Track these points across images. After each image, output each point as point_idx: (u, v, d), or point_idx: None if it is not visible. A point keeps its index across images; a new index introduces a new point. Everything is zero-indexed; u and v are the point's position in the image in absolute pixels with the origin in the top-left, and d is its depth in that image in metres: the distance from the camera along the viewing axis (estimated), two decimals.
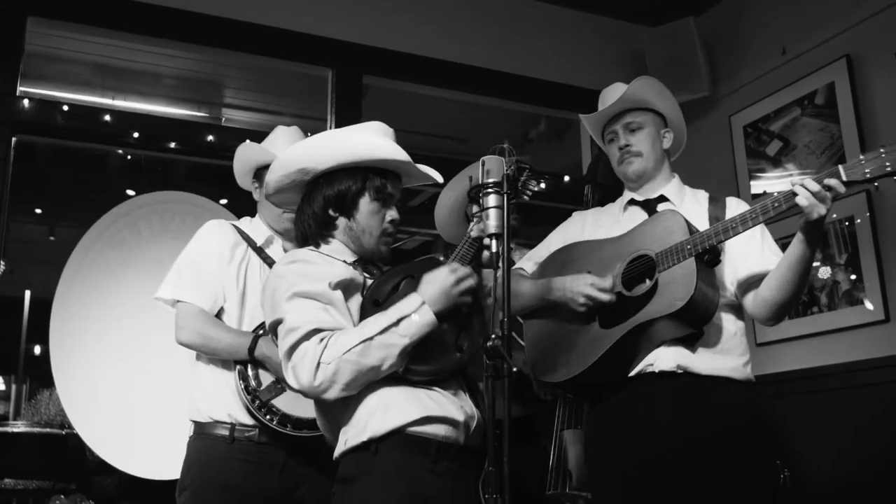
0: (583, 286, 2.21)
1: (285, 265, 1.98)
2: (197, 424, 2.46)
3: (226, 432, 2.38)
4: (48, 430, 4.51)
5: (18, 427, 4.64)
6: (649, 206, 2.38)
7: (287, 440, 2.37)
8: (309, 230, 2.08)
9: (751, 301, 2.24)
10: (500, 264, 1.84)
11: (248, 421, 2.38)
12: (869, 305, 3.45)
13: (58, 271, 3.57)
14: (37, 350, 7.13)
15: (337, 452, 1.93)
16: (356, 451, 1.87)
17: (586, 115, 2.48)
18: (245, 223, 2.66)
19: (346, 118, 3.77)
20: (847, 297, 3.54)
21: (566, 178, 4.37)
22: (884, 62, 3.51)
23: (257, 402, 2.36)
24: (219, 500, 2.34)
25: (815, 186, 1.92)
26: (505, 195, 1.90)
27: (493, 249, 1.87)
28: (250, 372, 2.39)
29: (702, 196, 2.41)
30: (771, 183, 3.94)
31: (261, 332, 2.42)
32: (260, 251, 2.58)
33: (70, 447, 4.36)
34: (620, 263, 2.23)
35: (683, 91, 4.10)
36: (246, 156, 2.67)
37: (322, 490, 2.46)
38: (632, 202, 2.42)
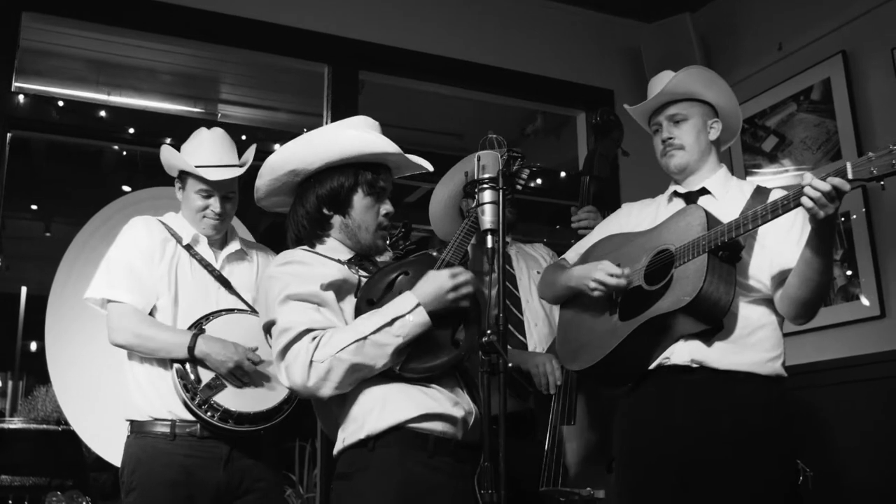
0: (594, 272, 2.22)
1: (278, 266, 1.97)
2: (135, 423, 2.44)
3: (167, 429, 2.37)
4: (44, 426, 4.50)
5: (15, 423, 4.63)
6: (690, 198, 2.34)
7: (229, 435, 2.37)
8: (303, 231, 2.07)
9: (779, 298, 2.17)
10: (496, 260, 1.84)
11: (190, 416, 2.36)
12: (864, 301, 3.45)
13: (54, 267, 3.55)
14: (33, 346, 7.11)
15: (336, 450, 1.93)
16: (353, 447, 1.87)
17: (631, 106, 2.45)
18: (171, 218, 2.63)
19: (342, 114, 3.71)
20: (843, 293, 3.55)
21: (562, 175, 4.37)
22: (880, 58, 3.51)
23: (197, 399, 2.34)
24: (167, 498, 2.33)
25: (820, 188, 1.86)
26: (501, 190, 1.90)
27: (489, 245, 1.87)
28: (189, 369, 2.37)
29: (747, 188, 2.32)
30: (767, 179, 3.94)
31: (197, 330, 2.40)
32: (189, 248, 2.56)
33: (66, 444, 4.35)
34: (646, 257, 2.23)
35: None
36: (168, 160, 2.64)
37: (266, 480, 2.47)
38: (675, 194, 2.39)
